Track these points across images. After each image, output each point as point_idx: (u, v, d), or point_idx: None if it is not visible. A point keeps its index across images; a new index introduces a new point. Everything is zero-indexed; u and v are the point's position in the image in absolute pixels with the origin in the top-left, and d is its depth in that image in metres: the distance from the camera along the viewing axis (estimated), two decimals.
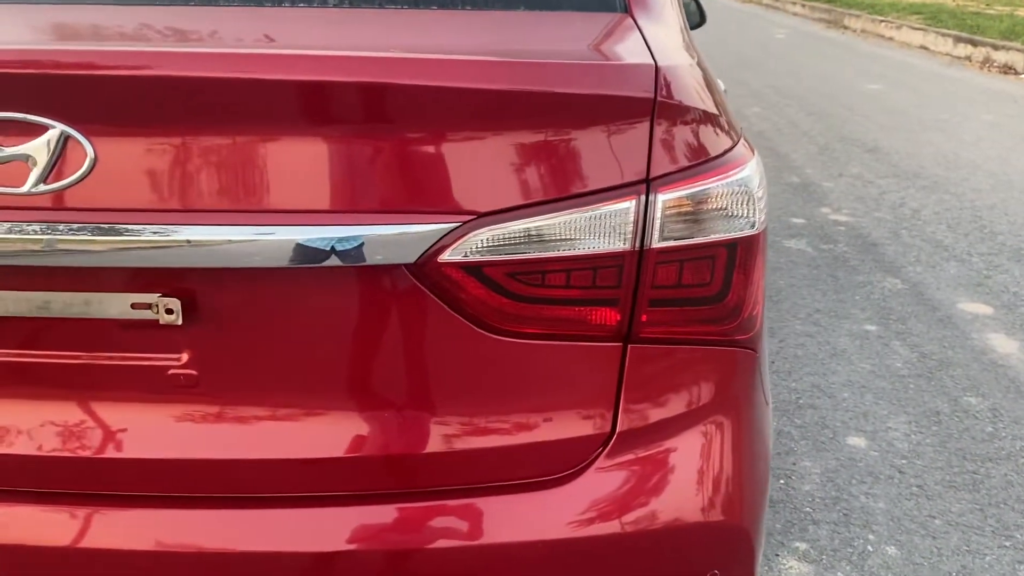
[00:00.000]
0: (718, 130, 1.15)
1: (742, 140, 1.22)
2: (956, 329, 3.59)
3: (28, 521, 1.13)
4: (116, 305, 1.08)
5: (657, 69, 1.08)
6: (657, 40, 1.24)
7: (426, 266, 1.05)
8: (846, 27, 16.40)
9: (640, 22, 1.36)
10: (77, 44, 1.08)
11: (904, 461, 2.69)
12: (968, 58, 12.51)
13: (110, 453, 1.13)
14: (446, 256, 1.05)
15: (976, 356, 3.37)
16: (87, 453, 1.13)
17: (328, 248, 1.03)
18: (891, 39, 14.68)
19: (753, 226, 1.14)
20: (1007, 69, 11.53)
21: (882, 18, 15.56)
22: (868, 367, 3.27)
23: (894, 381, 3.17)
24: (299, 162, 1.03)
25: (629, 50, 1.17)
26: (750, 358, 1.23)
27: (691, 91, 1.11)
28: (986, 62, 12.06)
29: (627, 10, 1.42)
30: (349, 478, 1.15)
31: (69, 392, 1.14)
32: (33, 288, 1.08)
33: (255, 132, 1.02)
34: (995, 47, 12.13)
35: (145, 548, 1.12)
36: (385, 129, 1.03)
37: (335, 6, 1.38)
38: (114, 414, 1.14)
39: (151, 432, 1.13)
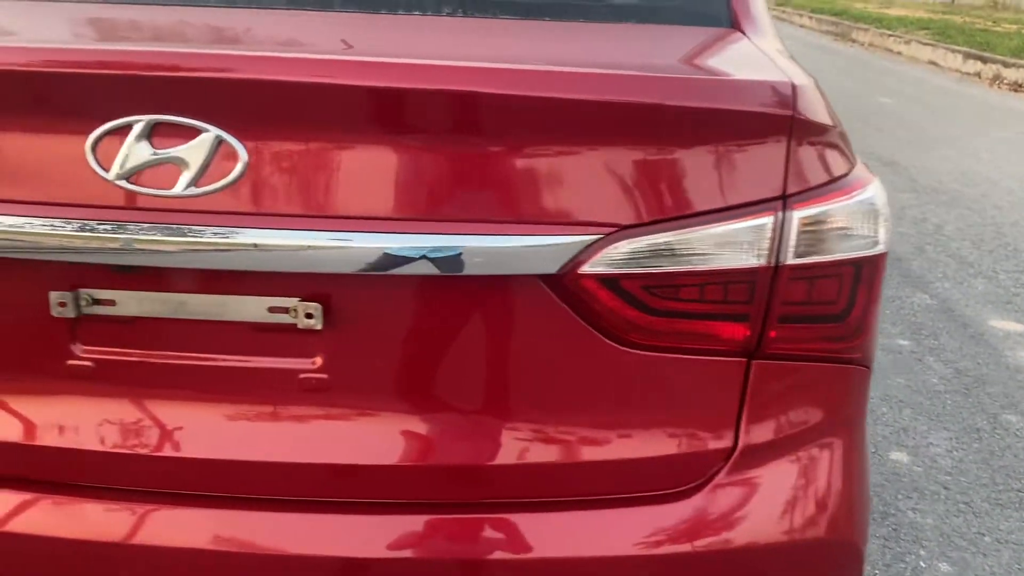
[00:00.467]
0: (844, 149, 1.16)
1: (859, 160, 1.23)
2: (989, 346, 3.61)
3: (160, 524, 1.13)
4: (252, 308, 1.08)
5: (794, 87, 1.08)
6: (775, 57, 1.25)
7: (564, 277, 1.06)
8: (854, 40, 16.47)
9: (753, 38, 1.37)
10: (232, 48, 1.08)
11: (948, 477, 2.70)
12: (978, 75, 12.57)
13: (238, 455, 1.13)
14: (586, 268, 1.05)
15: (1012, 374, 3.39)
16: (213, 455, 1.13)
17: (473, 257, 1.03)
18: (899, 53, 14.75)
19: (877, 245, 1.15)
20: (1017, 87, 11.59)
21: (890, 32, 15.63)
22: (903, 382, 3.28)
23: (931, 397, 3.18)
24: (446, 172, 1.04)
25: (759, 67, 1.18)
26: (864, 376, 1.23)
27: (822, 110, 1.12)
28: (996, 79, 12.11)
29: (734, 24, 1.43)
30: (472, 486, 1.15)
31: (195, 394, 1.14)
32: (170, 289, 1.08)
33: (403, 141, 1.03)
34: (1005, 64, 12.18)
35: (272, 551, 1.12)
36: (531, 141, 1.04)
37: (449, 15, 1.39)
38: (241, 416, 1.14)
39: (279, 435, 1.13)
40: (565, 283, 1.06)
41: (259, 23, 1.30)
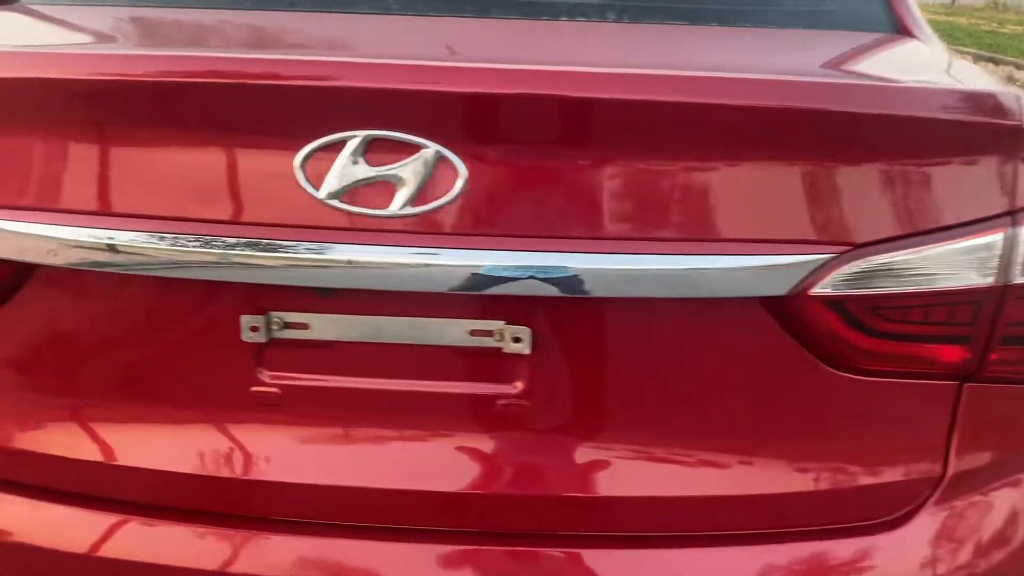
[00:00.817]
0: None
1: None
2: None
3: (357, 560, 1.07)
4: (454, 332, 1.03)
5: (1018, 97, 1.03)
6: (966, 64, 1.20)
7: (789, 299, 1.00)
8: None
9: (929, 44, 1.32)
10: (453, 61, 1.02)
11: None
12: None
13: (433, 486, 1.07)
14: (815, 289, 1.00)
15: None
16: (407, 486, 1.07)
17: (701, 279, 0.98)
18: None
19: None
20: None
21: None
22: None
23: None
24: (671, 188, 0.98)
25: (969, 76, 1.13)
26: None
27: None
28: (1009, 80, 12.10)
29: (901, 30, 1.38)
30: (681, 518, 1.09)
31: (386, 421, 1.08)
32: (369, 312, 1.03)
33: (624, 157, 0.97)
34: (1018, 66, 12.18)
35: None
36: (760, 154, 0.98)
37: (615, 21, 1.33)
38: (436, 445, 1.08)
39: (472, 465, 1.08)
40: (789, 305, 1.01)
41: (454, 32, 1.24)
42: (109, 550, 1.08)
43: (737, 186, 0.98)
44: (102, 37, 1.30)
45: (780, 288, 0.99)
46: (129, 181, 0.99)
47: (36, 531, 1.10)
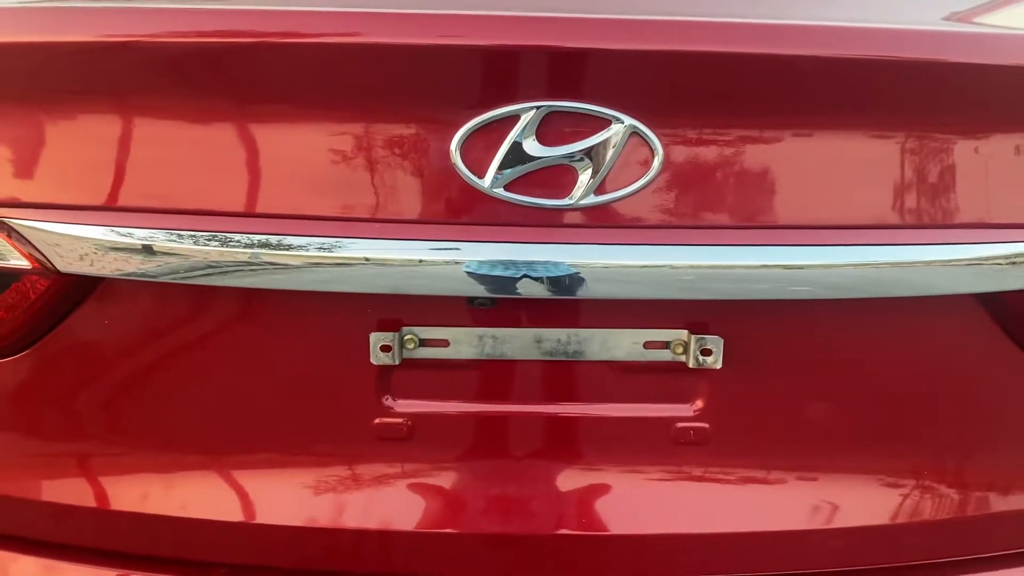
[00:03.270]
0: None
1: None
2: None
3: None
4: (626, 344, 0.86)
5: None
6: None
7: (1019, 293, 0.86)
8: None
9: None
10: (641, 13, 0.83)
11: None
12: None
13: (589, 529, 0.90)
14: None
15: None
16: (564, 530, 0.90)
17: (931, 274, 0.82)
18: None
19: None
20: None
21: None
22: None
23: None
24: (909, 166, 0.82)
25: None
26: None
27: None
28: None
29: None
30: (896, 550, 0.94)
31: (540, 455, 0.90)
32: (523, 324, 0.85)
33: (852, 132, 0.81)
34: None
35: None
36: (996, 125, 0.83)
37: None
38: (599, 480, 0.91)
39: (646, 501, 0.91)
40: (1012, 299, 0.86)
41: None
42: None
43: (964, 165, 0.83)
44: None
45: (1014, 282, 0.84)
46: (238, 169, 0.79)
47: None
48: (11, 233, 0.82)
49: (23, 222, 0.81)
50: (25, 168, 0.82)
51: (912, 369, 0.90)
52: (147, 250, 0.80)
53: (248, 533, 0.88)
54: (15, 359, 0.87)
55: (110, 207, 0.81)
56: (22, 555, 0.91)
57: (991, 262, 0.82)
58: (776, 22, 0.80)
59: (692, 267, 0.80)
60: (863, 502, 0.92)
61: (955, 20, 0.93)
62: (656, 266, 0.79)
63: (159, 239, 0.79)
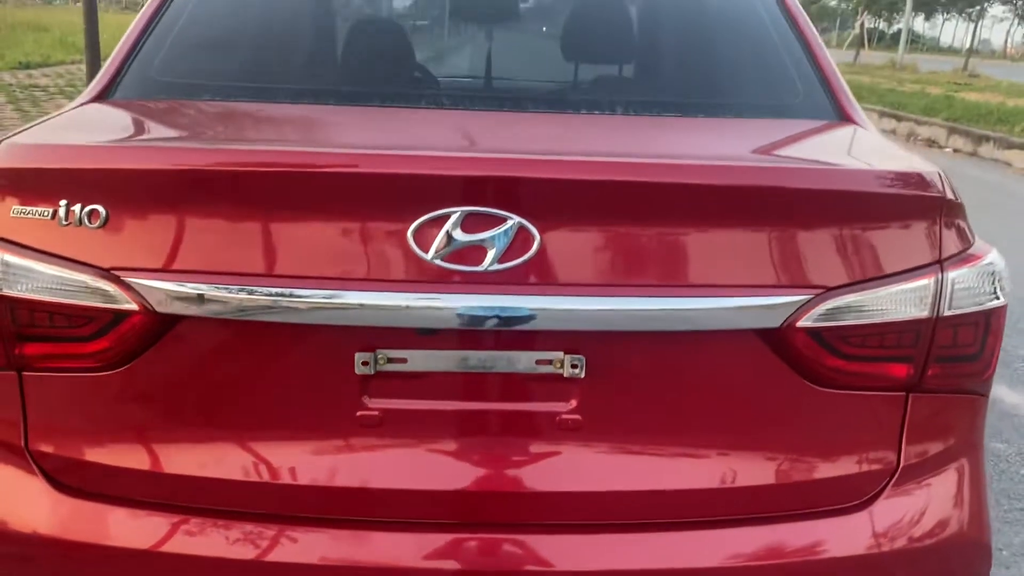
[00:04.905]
0: (968, 224, 1.46)
1: None
2: None
3: (440, 549, 1.33)
4: (523, 361, 1.32)
5: (940, 175, 1.38)
6: (897, 146, 1.56)
7: (780, 330, 1.32)
8: None
9: (868, 129, 1.69)
10: (529, 154, 1.33)
11: None
12: (893, 131, 13.44)
13: (504, 488, 1.35)
14: (801, 322, 1.32)
15: (992, 405, 3.76)
16: (484, 489, 1.35)
17: (715, 316, 1.29)
18: None
19: (1000, 299, 1.45)
20: (931, 143, 12.46)
21: None
22: None
23: None
24: (692, 246, 1.30)
25: (903, 158, 1.48)
26: (985, 404, 1.52)
27: (956, 191, 1.42)
28: (911, 135, 12.98)
29: (844, 117, 1.75)
30: (695, 507, 1.39)
31: (468, 437, 1.36)
32: (457, 347, 1.31)
33: (659, 224, 1.29)
34: (918, 122, 13.07)
35: (534, 570, 1.34)
36: (759, 220, 1.31)
37: (622, 114, 1.67)
38: (507, 454, 1.36)
39: (541, 469, 1.36)
40: (780, 335, 1.33)
41: (526, 125, 1.57)
42: (246, 554, 1.32)
43: (742, 244, 1.30)
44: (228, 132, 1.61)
45: (775, 321, 1.31)
46: (278, 249, 1.26)
47: (186, 542, 1.33)
48: (126, 287, 1.28)
49: (134, 279, 1.28)
50: (134, 246, 1.29)
51: (711, 378, 1.36)
52: (204, 297, 1.26)
53: (269, 489, 1.33)
54: (120, 371, 1.33)
55: (183, 270, 1.28)
56: (135, 509, 1.35)
57: (750, 309, 1.29)
58: (606, 159, 1.29)
59: (561, 310, 1.27)
60: (684, 471, 1.37)
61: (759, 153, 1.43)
62: (537, 309, 1.26)
63: (211, 292, 1.26)
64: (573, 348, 1.31)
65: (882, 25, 69.18)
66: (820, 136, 1.67)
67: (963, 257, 1.40)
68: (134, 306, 1.27)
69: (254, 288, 1.25)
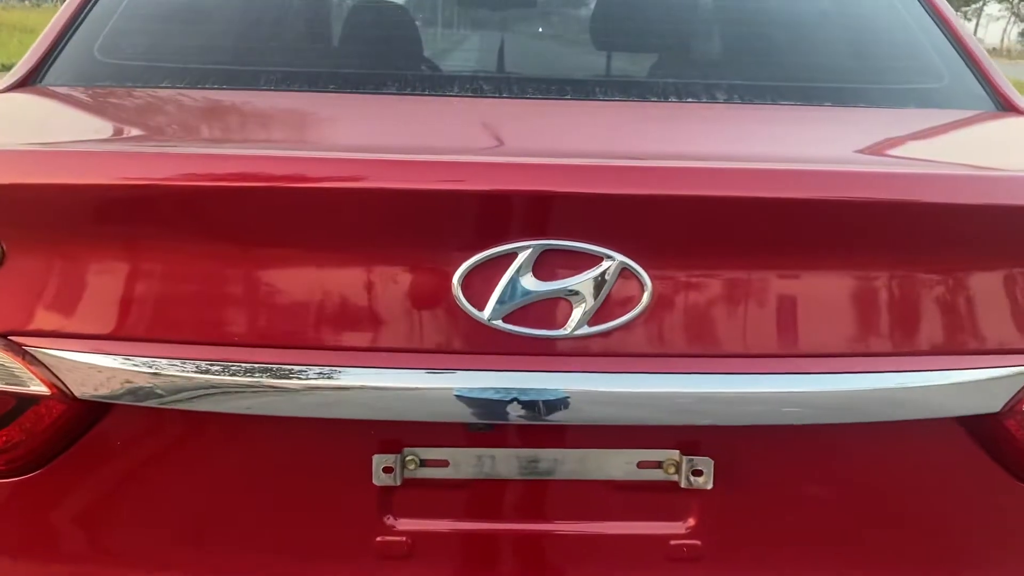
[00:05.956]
0: None
1: None
2: None
3: None
4: (619, 464, 0.89)
5: None
6: None
7: (995, 416, 0.89)
8: None
9: None
10: (631, 159, 0.88)
11: None
12: None
13: None
14: None
15: None
16: None
17: (913, 399, 0.86)
18: None
19: None
20: None
21: None
22: None
23: None
24: (869, 298, 0.87)
25: None
26: None
27: None
28: None
29: (1008, 107, 1.32)
30: None
31: (538, 572, 0.93)
32: (521, 444, 0.88)
33: (830, 263, 0.86)
34: None
35: None
36: (961, 260, 0.88)
37: (726, 102, 1.24)
38: None
39: None
40: (996, 423, 0.90)
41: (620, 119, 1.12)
42: None
43: (941, 293, 0.88)
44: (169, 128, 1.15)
45: (993, 404, 0.88)
46: (261, 304, 0.83)
47: None
48: (32, 360, 0.85)
49: (43, 350, 0.85)
50: (44, 300, 0.86)
51: (892, 487, 0.94)
52: (156, 377, 0.83)
53: None
54: (27, 478, 0.90)
55: (118, 336, 0.85)
56: None
57: (959, 386, 0.86)
58: (754, 166, 0.85)
59: (681, 394, 0.84)
60: None
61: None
62: (646, 393, 0.83)
63: (168, 368, 0.83)
64: (693, 447, 0.88)
65: None
66: (990, 130, 1.24)
67: None
68: (44, 389, 0.84)
69: (227, 363, 0.82)
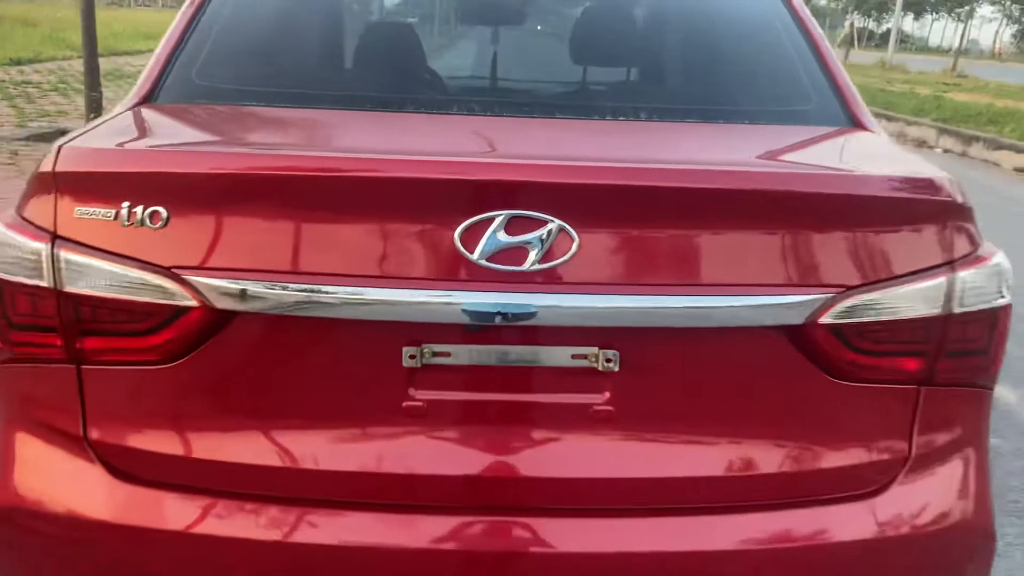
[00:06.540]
0: (976, 226, 1.55)
1: None
2: None
3: (481, 532, 1.41)
4: (559, 355, 1.40)
5: (949, 180, 1.47)
6: (908, 152, 1.65)
7: (803, 326, 1.40)
8: None
9: (880, 135, 1.77)
10: (571, 160, 1.41)
11: None
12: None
13: (542, 473, 1.43)
14: (822, 319, 1.40)
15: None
16: (524, 474, 1.43)
17: (741, 312, 1.37)
18: None
19: (1006, 298, 1.53)
20: (921, 143, 12.60)
21: None
22: None
23: None
24: (720, 248, 1.38)
25: (917, 163, 1.57)
26: (991, 397, 1.61)
27: (966, 195, 1.51)
28: (901, 136, 13.11)
29: (856, 124, 1.83)
30: (717, 495, 1.47)
31: (507, 426, 1.43)
32: (498, 342, 1.39)
33: (692, 226, 1.37)
34: (908, 123, 13.21)
35: (569, 551, 1.42)
36: (780, 222, 1.39)
37: (644, 120, 1.76)
38: (545, 442, 1.44)
39: (576, 456, 1.44)
40: (802, 331, 1.41)
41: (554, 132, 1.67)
42: (293, 537, 1.39)
43: (764, 245, 1.38)
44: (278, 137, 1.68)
45: (798, 318, 1.39)
46: (333, 249, 1.34)
47: (236, 526, 1.41)
48: (186, 284, 1.36)
49: (194, 277, 1.35)
50: (193, 245, 1.36)
51: (741, 372, 1.44)
52: (263, 295, 1.33)
53: (318, 476, 1.40)
54: (176, 365, 1.40)
55: (242, 268, 1.35)
56: (189, 495, 1.42)
57: (775, 306, 1.37)
58: (648, 165, 1.37)
59: (597, 307, 1.35)
60: (709, 459, 1.45)
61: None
62: (575, 306, 1.34)
63: (271, 289, 1.33)
64: (607, 344, 1.39)
65: (872, 25, 69.49)
66: (836, 142, 1.75)
67: (972, 258, 1.48)
68: (193, 302, 1.35)
69: (311, 286, 1.32)
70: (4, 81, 12.35)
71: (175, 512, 1.42)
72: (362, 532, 1.40)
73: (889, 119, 13.69)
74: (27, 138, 8.24)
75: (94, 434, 1.43)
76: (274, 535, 1.39)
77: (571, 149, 1.63)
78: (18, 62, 14.72)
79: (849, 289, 1.40)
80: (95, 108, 7.94)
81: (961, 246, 1.47)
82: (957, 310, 1.46)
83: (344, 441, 1.41)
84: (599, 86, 2.31)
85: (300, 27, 2.12)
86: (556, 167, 1.35)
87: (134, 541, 1.42)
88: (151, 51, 1.90)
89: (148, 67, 1.86)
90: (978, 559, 1.59)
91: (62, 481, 1.45)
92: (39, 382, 1.44)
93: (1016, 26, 68.96)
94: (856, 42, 51.61)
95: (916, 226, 1.45)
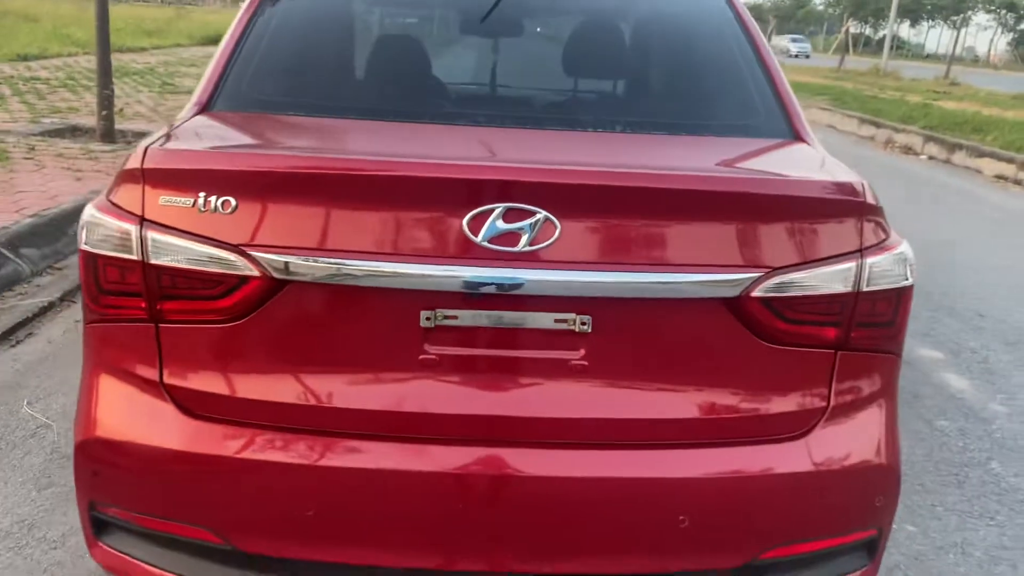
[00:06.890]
0: (885, 221, 1.91)
1: None
2: (919, 370, 4.46)
3: (481, 461, 1.76)
4: (544, 319, 1.75)
5: (863, 183, 1.83)
6: (835, 159, 2.02)
7: (739, 299, 1.76)
8: None
9: (815, 147, 2.14)
10: (556, 164, 1.77)
11: (904, 468, 3.48)
12: (872, 138, 13.93)
13: (529, 413, 1.79)
14: (753, 293, 1.76)
15: (938, 390, 4.24)
16: (516, 414, 1.78)
17: (691, 287, 1.73)
18: None
19: (909, 280, 1.89)
20: (907, 149, 12.96)
21: None
22: None
23: None
24: (673, 235, 1.74)
25: (839, 170, 1.93)
26: (898, 361, 1.97)
27: (876, 196, 1.87)
28: (888, 142, 13.47)
29: (796, 136, 2.20)
30: (670, 434, 1.82)
31: (503, 376, 1.79)
32: (496, 308, 1.74)
33: (652, 217, 1.73)
34: (895, 130, 13.57)
35: (549, 475, 1.78)
36: (724, 216, 1.75)
37: (611, 131, 2.12)
38: (533, 388, 1.79)
39: (556, 400, 1.79)
40: (738, 303, 1.77)
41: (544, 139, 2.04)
42: (331, 462, 1.75)
43: (710, 235, 1.74)
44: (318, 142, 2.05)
45: (734, 292, 1.75)
46: (366, 232, 1.69)
47: (285, 453, 1.76)
48: (250, 258, 1.71)
49: (256, 253, 1.71)
50: (256, 227, 1.72)
51: (691, 336, 1.80)
52: (311, 266, 1.68)
53: (352, 414, 1.75)
54: (239, 323, 1.76)
55: (296, 246, 1.70)
56: (247, 428, 1.77)
57: (715, 282, 1.73)
58: (618, 170, 1.72)
59: (576, 281, 1.70)
60: (666, 405, 1.81)
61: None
62: (559, 280, 1.70)
63: (318, 262, 1.69)
64: (583, 310, 1.74)
65: (868, 31, 69.98)
66: (776, 152, 2.12)
67: (880, 247, 1.84)
68: (255, 272, 1.70)
69: (349, 261, 1.67)
70: (13, 77, 12.65)
71: (232, 442, 1.77)
72: (384, 458, 1.75)
73: (877, 126, 14.05)
74: (41, 133, 8.56)
75: (168, 379, 1.78)
76: (312, 460, 1.74)
77: (556, 155, 1.99)
78: (25, 58, 15.00)
79: (775, 270, 1.76)
80: (107, 104, 8.25)
81: (870, 237, 1.83)
82: (866, 288, 1.82)
83: (371, 384, 1.77)
84: (587, 94, 2.69)
85: (331, 47, 2.48)
86: (543, 170, 1.71)
87: (198, 465, 1.78)
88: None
89: (203, 81, 2.21)
90: (887, 492, 1.95)
91: (140, 417, 1.80)
92: (123, 337, 1.80)
93: (1011, 34, 69.51)
94: (852, 48, 52.00)
95: (834, 220, 1.80)
